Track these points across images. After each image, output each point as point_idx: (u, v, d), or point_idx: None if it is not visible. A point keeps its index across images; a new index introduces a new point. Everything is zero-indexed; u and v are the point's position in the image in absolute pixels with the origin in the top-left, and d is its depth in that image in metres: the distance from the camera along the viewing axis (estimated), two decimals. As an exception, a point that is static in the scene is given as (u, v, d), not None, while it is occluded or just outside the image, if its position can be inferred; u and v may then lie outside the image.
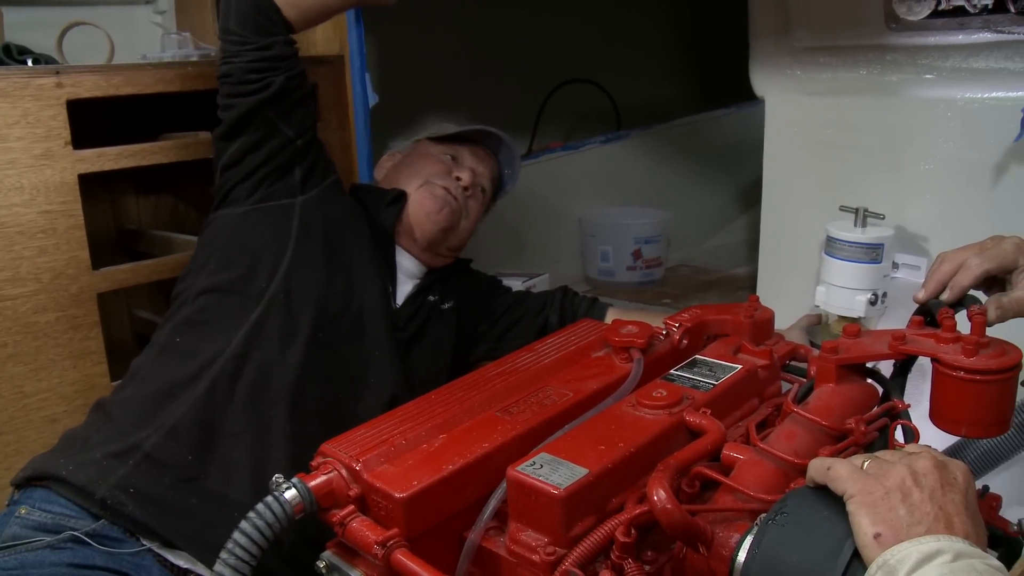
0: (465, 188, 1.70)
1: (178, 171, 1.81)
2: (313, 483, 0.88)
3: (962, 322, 1.02)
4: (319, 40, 1.92)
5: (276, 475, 0.88)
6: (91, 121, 1.65)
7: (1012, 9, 1.47)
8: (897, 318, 1.62)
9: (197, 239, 1.58)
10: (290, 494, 0.86)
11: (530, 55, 3.02)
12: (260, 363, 1.40)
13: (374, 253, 1.57)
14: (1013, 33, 1.51)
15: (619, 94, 3.24)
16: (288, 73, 1.47)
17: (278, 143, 1.49)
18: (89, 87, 1.58)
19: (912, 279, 1.70)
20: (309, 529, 0.90)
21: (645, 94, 3.36)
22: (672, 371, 1.07)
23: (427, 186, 1.65)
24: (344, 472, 0.90)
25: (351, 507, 0.88)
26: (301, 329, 1.43)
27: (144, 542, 1.28)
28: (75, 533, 1.24)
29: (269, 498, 0.86)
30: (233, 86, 1.47)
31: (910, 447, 0.80)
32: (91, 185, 1.64)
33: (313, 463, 0.93)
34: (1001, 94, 1.57)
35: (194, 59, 1.94)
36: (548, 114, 3.07)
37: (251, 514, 0.84)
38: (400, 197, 1.64)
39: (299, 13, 1.48)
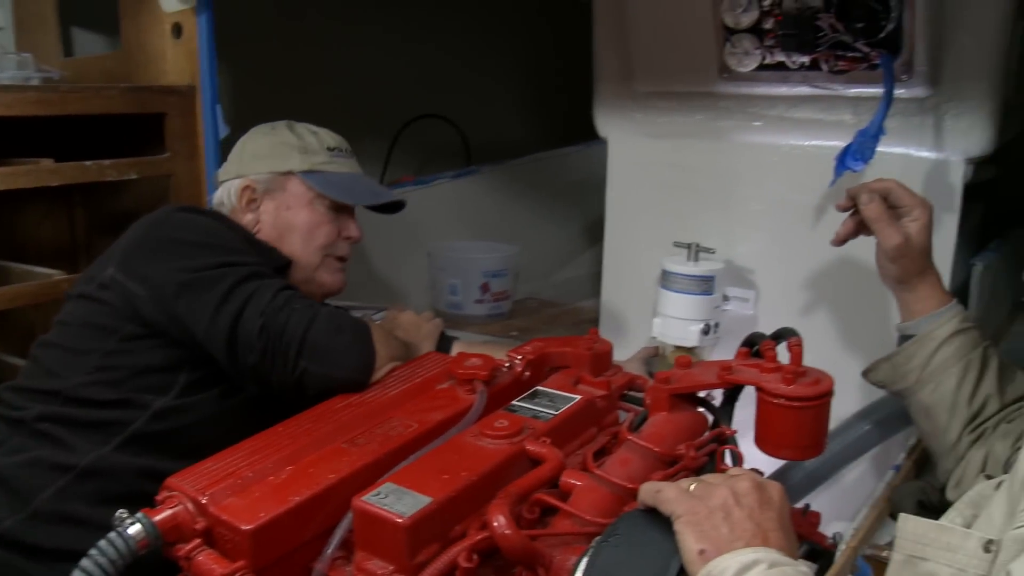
0: (355, 243, 1.61)
1: (17, 199, 1.73)
2: (158, 518, 0.87)
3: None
4: (170, 70, 1.88)
5: (120, 510, 0.86)
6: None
7: (825, 68, 1.60)
8: (729, 348, 1.69)
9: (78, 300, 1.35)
10: (134, 529, 0.85)
11: (383, 90, 3.04)
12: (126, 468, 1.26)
13: None
14: (827, 88, 1.64)
15: (470, 130, 3.30)
16: None
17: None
18: (-88, 108, 1.50)
19: (741, 311, 1.80)
20: None
21: (496, 130, 3.42)
22: (514, 402, 1.10)
23: (328, 262, 1.54)
24: (190, 505, 0.89)
25: (197, 541, 0.87)
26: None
27: None
28: None
29: (112, 534, 0.84)
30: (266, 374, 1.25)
31: (733, 470, 0.85)
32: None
33: (158, 497, 0.91)
34: (819, 143, 1.69)
35: (35, 83, 1.86)
36: (400, 148, 3.08)
37: (93, 551, 0.82)
38: (288, 266, 1.49)
39: None
